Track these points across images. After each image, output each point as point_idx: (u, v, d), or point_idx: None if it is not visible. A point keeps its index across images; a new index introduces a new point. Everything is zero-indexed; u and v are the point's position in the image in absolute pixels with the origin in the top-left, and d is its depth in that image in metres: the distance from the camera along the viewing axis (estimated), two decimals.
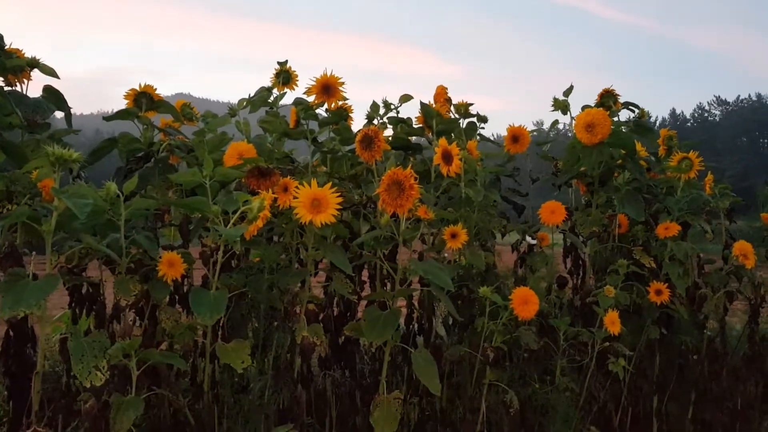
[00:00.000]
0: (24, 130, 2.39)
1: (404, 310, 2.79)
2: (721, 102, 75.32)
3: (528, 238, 2.84)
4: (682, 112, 77.47)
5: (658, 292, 2.67)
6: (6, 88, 2.31)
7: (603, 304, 2.48)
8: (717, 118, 74.40)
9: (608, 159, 2.77)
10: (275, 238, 2.56)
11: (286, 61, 2.78)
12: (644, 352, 2.84)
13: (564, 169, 2.95)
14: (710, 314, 2.96)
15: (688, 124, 73.72)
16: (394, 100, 2.96)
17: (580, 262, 3.07)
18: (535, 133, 3.15)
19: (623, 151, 2.83)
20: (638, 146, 2.94)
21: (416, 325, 2.77)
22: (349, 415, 2.61)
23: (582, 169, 2.86)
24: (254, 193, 2.06)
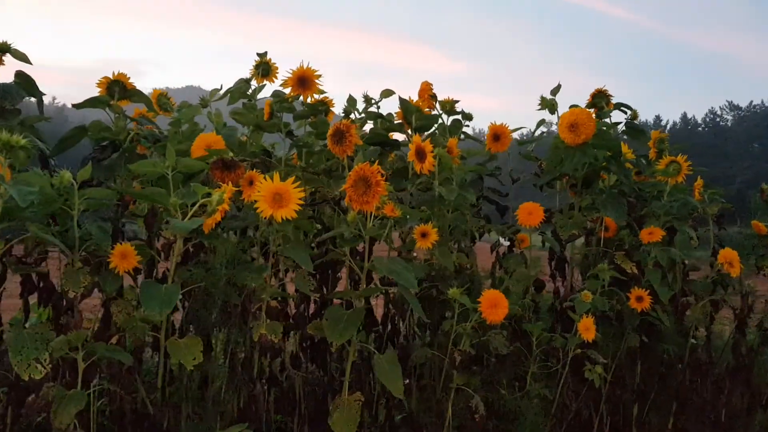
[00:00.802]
0: None
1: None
2: (733, 107, 74.71)
3: (502, 240, 2.77)
4: (694, 117, 76.66)
5: (639, 299, 2.59)
6: None
7: (579, 310, 2.41)
8: (729, 123, 73.80)
9: (593, 160, 2.70)
10: (249, 233, 2.52)
11: (266, 52, 2.71)
12: (625, 360, 2.76)
13: (547, 170, 2.88)
14: (695, 323, 2.88)
15: (700, 128, 73.18)
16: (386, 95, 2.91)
17: (566, 265, 3.01)
18: (534, 132, 3.07)
19: (609, 153, 2.76)
20: (625, 148, 2.86)
21: (390, 326, 2.71)
22: (317, 415, 2.56)
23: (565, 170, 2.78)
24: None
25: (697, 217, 3.02)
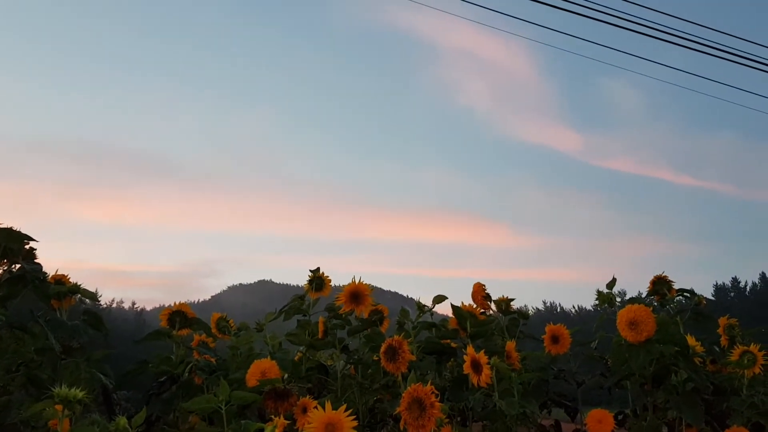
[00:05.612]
0: (59, 356, 2.44)
1: None
2: None
3: None
4: None
5: None
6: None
7: None
8: None
9: (659, 357, 2.57)
10: None
11: (318, 268, 2.81)
12: None
13: (613, 370, 2.75)
14: None
15: None
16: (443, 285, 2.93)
17: None
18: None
19: (676, 348, 2.63)
20: (692, 341, 2.73)
21: None
22: None
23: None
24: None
25: None
